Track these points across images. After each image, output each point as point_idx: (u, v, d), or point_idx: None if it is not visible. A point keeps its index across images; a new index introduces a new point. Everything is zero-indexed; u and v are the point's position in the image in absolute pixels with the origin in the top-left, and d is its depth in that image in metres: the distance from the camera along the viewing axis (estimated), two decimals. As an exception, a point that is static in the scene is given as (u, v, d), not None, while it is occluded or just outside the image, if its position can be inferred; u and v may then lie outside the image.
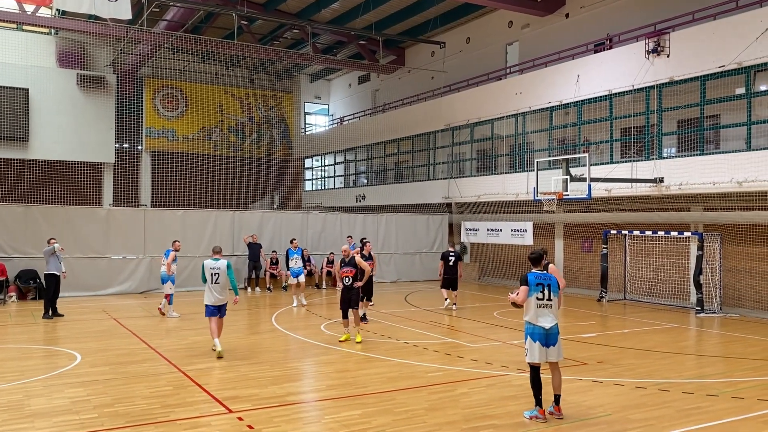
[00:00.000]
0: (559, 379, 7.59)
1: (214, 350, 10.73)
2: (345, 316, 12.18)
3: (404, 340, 12.40)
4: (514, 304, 7.59)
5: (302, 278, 17.47)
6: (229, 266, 11.08)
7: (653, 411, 7.76)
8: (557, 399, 7.54)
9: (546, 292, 7.42)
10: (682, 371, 9.98)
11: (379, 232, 24.19)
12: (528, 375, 7.60)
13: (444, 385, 8.93)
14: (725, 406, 7.99)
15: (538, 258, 7.70)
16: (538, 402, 7.39)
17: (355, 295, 12.14)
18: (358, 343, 11.86)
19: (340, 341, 11.99)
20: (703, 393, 8.60)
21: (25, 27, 29.51)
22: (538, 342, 7.37)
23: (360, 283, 12.29)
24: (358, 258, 12.38)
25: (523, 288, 7.42)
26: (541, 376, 7.52)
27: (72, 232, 18.50)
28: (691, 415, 7.62)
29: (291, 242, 18.63)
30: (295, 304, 17.15)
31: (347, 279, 12.09)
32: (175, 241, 15.75)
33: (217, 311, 10.96)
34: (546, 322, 7.38)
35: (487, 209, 24.53)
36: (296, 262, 17.55)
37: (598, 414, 7.65)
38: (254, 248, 20.90)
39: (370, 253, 15.20)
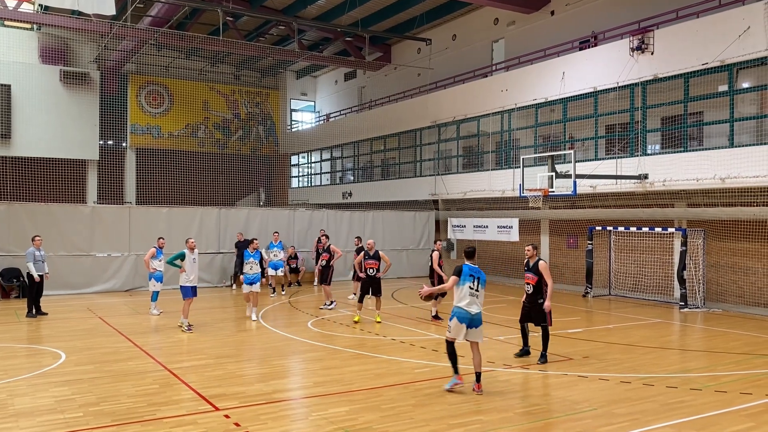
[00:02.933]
0: (479, 358, 8.53)
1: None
2: (361, 300, 14.16)
3: (391, 336, 12.43)
4: (429, 297, 8.95)
5: (256, 287, 14.23)
6: (178, 253, 13.27)
7: (638, 405, 7.84)
8: (478, 377, 8.43)
9: (476, 283, 8.48)
10: (666, 366, 10.08)
11: (365, 229, 24.16)
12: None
13: (431, 381, 8.95)
14: (708, 400, 8.09)
15: (472, 253, 8.85)
16: (456, 370, 8.45)
17: (377, 284, 14.01)
18: (378, 322, 13.79)
19: (354, 321, 13.92)
20: (686, 387, 8.70)
21: (6, 23, 29.17)
22: (464, 324, 8.39)
23: (381, 273, 14.15)
24: (381, 252, 14.26)
25: (453, 278, 8.51)
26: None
27: (56, 229, 18.32)
28: (675, 409, 7.70)
29: (251, 242, 14.71)
30: (248, 313, 14.44)
31: (371, 270, 13.95)
32: (159, 239, 15.73)
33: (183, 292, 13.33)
34: (473, 309, 8.43)
35: (474, 206, 24.61)
36: (251, 267, 14.23)
37: (583, 409, 7.72)
38: (241, 246, 20.78)
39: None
